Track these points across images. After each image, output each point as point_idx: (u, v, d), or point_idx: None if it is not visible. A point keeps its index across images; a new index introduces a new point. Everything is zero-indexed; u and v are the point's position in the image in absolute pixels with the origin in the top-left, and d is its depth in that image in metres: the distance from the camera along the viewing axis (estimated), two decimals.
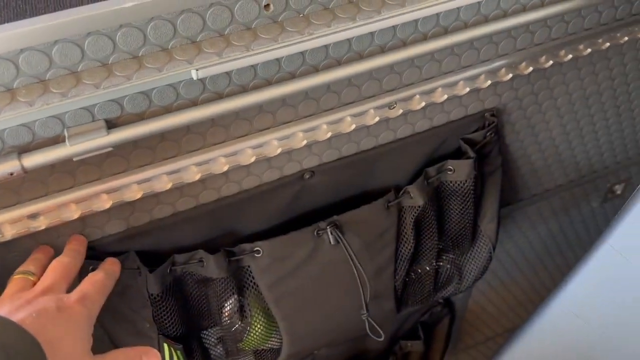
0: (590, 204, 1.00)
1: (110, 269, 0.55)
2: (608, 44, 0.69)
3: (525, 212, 0.93)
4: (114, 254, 0.58)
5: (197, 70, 0.46)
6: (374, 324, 0.70)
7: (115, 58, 0.45)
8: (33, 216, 0.51)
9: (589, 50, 0.68)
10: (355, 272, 0.66)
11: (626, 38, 0.70)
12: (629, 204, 0.44)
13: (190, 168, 0.55)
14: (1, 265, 0.54)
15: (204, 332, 0.70)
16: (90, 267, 0.57)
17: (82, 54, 0.44)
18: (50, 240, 0.55)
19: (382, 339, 0.71)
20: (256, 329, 0.68)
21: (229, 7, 0.46)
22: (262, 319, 0.68)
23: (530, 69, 0.66)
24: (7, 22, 0.42)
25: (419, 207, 0.68)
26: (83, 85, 0.44)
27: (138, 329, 0.62)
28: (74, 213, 0.52)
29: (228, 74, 0.50)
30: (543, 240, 1.01)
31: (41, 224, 0.52)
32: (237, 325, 0.68)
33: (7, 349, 0.36)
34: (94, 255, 0.58)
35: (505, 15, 0.59)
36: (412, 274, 0.76)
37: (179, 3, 0.44)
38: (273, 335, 0.70)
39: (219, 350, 0.72)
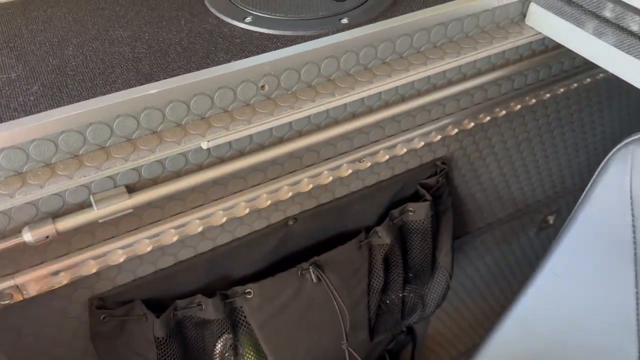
0: (527, 233, 1.13)
1: None
2: (534, 100, 0.83)
3: (472, 243, 1.05)
4: (121, 303, 0.65)
5: (207, 141, 0.54)
6: (353, 353, 0.79)
7: (139, 134, 0.53)
8: (56, 273, 0.57)
9: (519, 106, 0.82)
10: (336, 305, 0.75)
11: (548, 95, 0.84)
12: (561, 233, 0.56)
13: (194, 222, 0.63)
14: (26, 320, 0.59)
15: None
16: (102, 317, 0.63)
17: (110, 132, 0.52)
18: (67, 294, 0.61)
19: None
20: None
21: (232, 89, 0.55)
22: (254, 355, 0.75)
23: (472, 124, 0.79)
24: (48, 109, 0.49)
25: (387, 244, 0.78)
26: (113, 159, 0.51)
27: None
28: (92, 268, 0.59)
29: (229, 142, 0.59)
30: (489, 268, 1.14)
31: (63, 279, 0.58)
32: None
33: None
34: (104, 306, 0.64)
35: (450, 83, 0.71)
36: (382, 305, 0.86)
37: (192, 88, 0.53)
38: None
39: None
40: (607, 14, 0.61)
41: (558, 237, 0.57)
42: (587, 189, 0.54)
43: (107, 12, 0.63)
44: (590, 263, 0.54)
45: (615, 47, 0.61)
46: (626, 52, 0.60)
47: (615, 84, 0.94)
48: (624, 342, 0.53)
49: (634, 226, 0.50)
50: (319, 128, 0.65)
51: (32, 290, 0.56)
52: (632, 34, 0.59)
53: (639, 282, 0.51)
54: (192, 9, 0.64)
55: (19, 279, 0.55)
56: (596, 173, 0.52)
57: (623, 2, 0.59)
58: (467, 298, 1.17)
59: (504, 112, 0.81)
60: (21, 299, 0.57)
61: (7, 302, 0.56)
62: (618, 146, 0.50)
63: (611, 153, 0.51)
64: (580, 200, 0.54)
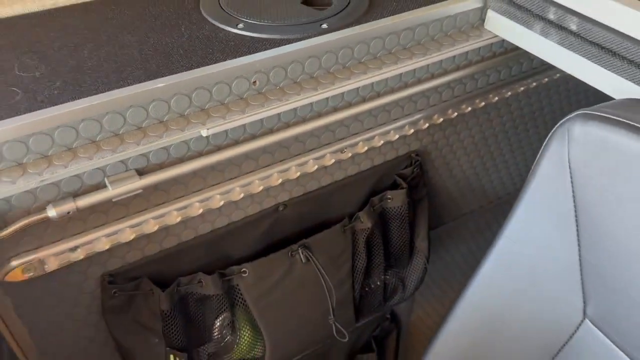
0: (500, 225, 1.22)
1: None
2: (497, 98, 0.93)
3: (448, 234, 1.14)
4: (130, 280, 0.72)
5: (207, 129, 0.63)
6: (340, 327, 0.86)
7: (148, 123, 0.61)
8: (73, 249, 0.65)
9: (483, 103, 0.91)
10: (323, 283, 0.83)
11: (509, 93, 0.94)
12: (515, 203, 0.65)
13: (194, 204, 0.71)
14: (46, 294, 0.66)
15: (198, 349, 0.83)
16: (113, 292, 0.71)
17: (124, 121, 0.60)
18: (82, 269, 0.68)
19: (346, 339, 0.87)
20: (244, 339, 0.82)
21: (228, 84, 0.64)
22: (249, 330, 0.82)
23: (441, 119, 0.88)
24: (70, 100, 0.58)
25: (368, 229, 0.86)
26: (126, 144, 0.59)
27: (149, 343, 0.75)
28: (105, 245, 0.66)
29: (226, 131, 0.67)
30: (464, 258, 1.22)
31: (79, 255, 0.65)
32: (228, 337, 0.82)
33: None
34: (114, 282, 0.71)
35: (420, 81, 0.80)
36: (366, 287, 0.94)
37: (193, 83, 0.61)
38: (258, 344, 0.84)
39: None
40: (551, 16, 0.71)
41: (513, 207, 0.66)
42: (534, 163, 0.62)
43: (116, 22, 0.71)
44: (539, 227, 0.63)
45: (559, 44, 0.70)
46: (567, 49, 0.69)
47: (572, 83, 1.04)
48: (570, 293, 0.62)
49: (573, 192, 0.58)
50: (304, 120, 0.73)
51: (53, 265, 0.64)
52: (572, 32, 0.69)
53: (580, 241, 0.60)
54: (191, 17, 0.73)
55: (42, 253, 0.63)
56: (541, 149, 0.61)
57: (563, 5, 0.68)
58: (447, 287, 1.25)
59: (469, 108, 0.90)
60: (42, 273, 0.64)
61: (30, 274, 0.63)
62: (557, 124, 0.59)
63: (552, 131, 0.60)
64: (529, 173, 0.63)
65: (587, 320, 0.63)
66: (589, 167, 0.56)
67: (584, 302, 0.62)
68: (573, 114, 0.58)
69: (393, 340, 1.19)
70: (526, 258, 0.65)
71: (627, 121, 0.53)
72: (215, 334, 0.82)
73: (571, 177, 0.58)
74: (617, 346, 0.61)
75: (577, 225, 0.60)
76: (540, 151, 0.61)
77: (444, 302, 1.26)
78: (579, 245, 0.60)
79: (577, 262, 0.61)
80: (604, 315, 0.61)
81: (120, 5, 0.75)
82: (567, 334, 0.64)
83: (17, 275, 0.63)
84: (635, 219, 0.53)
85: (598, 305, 0.61)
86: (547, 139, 0.60)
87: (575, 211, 0.59)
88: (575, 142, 0.57)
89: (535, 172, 0.62)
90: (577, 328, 0.64)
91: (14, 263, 0.62)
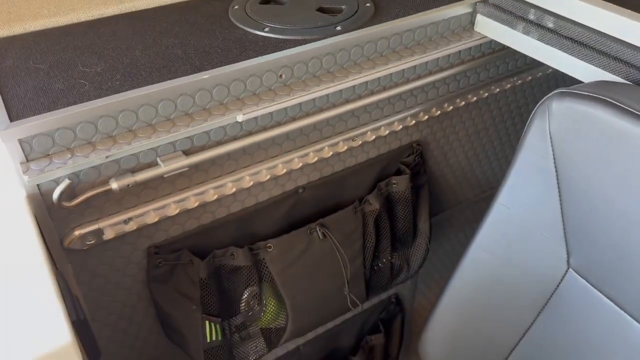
0: None
1: None
2: (487, 94, 1.05)
3: (447, 221, 1.24)
4: (172, 252, 0.82)
5: (243, 114, 0.73)
6: (354, 298, 0.96)
7: (194, 109, 0.72)
8: (126, 221, 0.75)
9: (475, 98, 1.03)
10: (339, 257, 0.93)
11: (497, 90, 1.06)
12: (507, 172, 0.76)
13: (228, 184, 0.81)
14: (100, 263, 0.76)
15: (229, 320, 0.92)
16: (158, 261, 0.80)
17: (175, 107, 0.70)
18: (133, 240, 0.78)
19: (360, 309, 0.97)
20: (270, 308, 0.92)
21: (260, 76, 0.75)
22: (274, 300, 0.92)
23: (438, 112, 0.99)
24: (130, 90, 0.68)
25: (376, 210, 0.97)
26: (177, 127, 0.70)
27: (188, 309, 0.84)
28: (154, 218, 0.76)
29: (256, 118, 0.78)
30: (462, 245, 1.32)
31: (132, 226, 0.75)
32: (255, 307, 0.91)
33: None
34: (158, 252, 0.81)
35: (419, 77, 0.92)
36: (375, 266, 1.04)
37: (231, 75, 0.73)
38: (281, 314, 0.93)
39: (235, 338, 0.94)
40: (531, 17, 0.83)
41: (505, 176, 0.77)
42: (521, 137, 0.74)
43: (158, 27, 0.83)
44: (527, 190, 0.74)
45: (539, 40, 0.82)
46: (546, 44, 0.82)
47: (553, 81, 1.17)
48: (555, 246, 0.73)
49: (554, 156, 0.70)
50: (321, 110, 0.84)
51: (109, 234, 0.74)
52: (549, 30, 0.81)
53: (561, 198, 0.71)
54: (222, 24, 0.84)
55: (101, 224, 0.72)
56: (526, 124, 0.73)
57: (541, 7, 0.81)
58: (447, 274, 1.35)
59: (463, 103, 1.02)
60: (100, 242, 0.74)
61: (91, 242, 0.73)
62: (540, 102, 0.71)
63: (535, 108, 0.71)
64: (517, 146, 0.75)
65: (571, 270, 0.73)
66: (565, 134, 0.68)
67: (568, 253, 0.73)
68: (552, 93, 0.69)
69: (398, 324, 1.29)
70: (516, 219, 0.76)
71: (595, 95, 0.64)
72: (243, 304, 0.92)
73: (552, 144, 0.70)
74: (600, 291, 0.71)
75: (558, 185, 0.71)
76: (526, 126, 0.73)
77: (443, 287, 1.36)
78: (560, 202, 0.71)
79: (560, 217, 0.71)
80: (586, 264, 0.72)
81: (159, 15, 0.86)
82: (553, 284, 0.75)
83: (78, 243, 0.72)
84: (605, 174, 0.64)
85: (580, 255, 0.72)
86: (531, 115, 0.72)
87: (557, 173, 0.70)
88: (554, 115, 0.68)
89: (522, 144, 0.73)
90: (563, 277, 0.74)
91: (77, 232, 0.72)
